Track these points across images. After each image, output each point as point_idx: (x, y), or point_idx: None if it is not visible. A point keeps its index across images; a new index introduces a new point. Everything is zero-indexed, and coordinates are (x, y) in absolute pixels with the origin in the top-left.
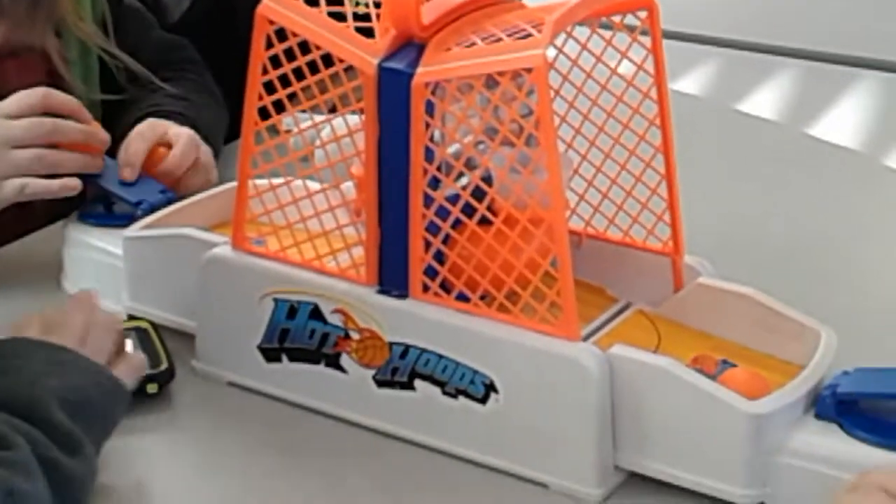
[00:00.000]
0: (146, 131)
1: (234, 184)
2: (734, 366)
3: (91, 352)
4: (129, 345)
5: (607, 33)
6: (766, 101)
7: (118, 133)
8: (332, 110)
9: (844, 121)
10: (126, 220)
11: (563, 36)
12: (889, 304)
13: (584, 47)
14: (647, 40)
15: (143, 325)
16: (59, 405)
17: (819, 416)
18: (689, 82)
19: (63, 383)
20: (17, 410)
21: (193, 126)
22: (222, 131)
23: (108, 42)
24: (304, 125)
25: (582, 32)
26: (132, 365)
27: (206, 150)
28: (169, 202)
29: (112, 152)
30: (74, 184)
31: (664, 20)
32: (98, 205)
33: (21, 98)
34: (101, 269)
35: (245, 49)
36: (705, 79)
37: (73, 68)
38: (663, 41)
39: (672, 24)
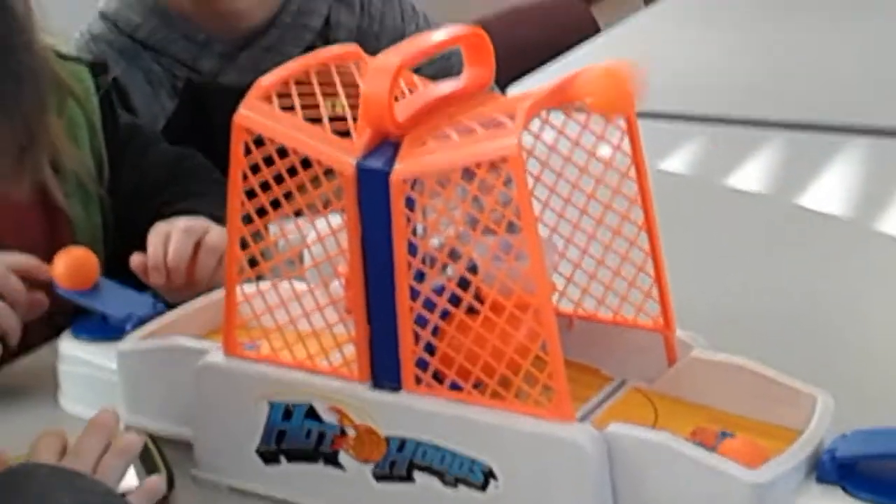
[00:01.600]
0: (193, 226)
1: (220, 291)
2: (733, 436)
3: (103, 476)
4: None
5: (583, 117)
6: (749, 173)
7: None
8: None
9: (831, 188)
10: (119, 333)
11: (538, 122)
12: (883, 367)
13: (560, 132)
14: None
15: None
16: None
17: (820, 479)
18: (669, 160)
19: (74, 501)
20: None
21: None
22: None
23: (101, 186)
24: (287, 228)
25: (558, 117)
26: (145, 491)
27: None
28: (159, 314)
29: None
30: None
31: (659, 102)
32: (90, 320)
33: None
34: (96, 384)
35: (224, 164)
36: (686, 155)
37: (72, 199)
38: (639, 120)
39: (647, 104)
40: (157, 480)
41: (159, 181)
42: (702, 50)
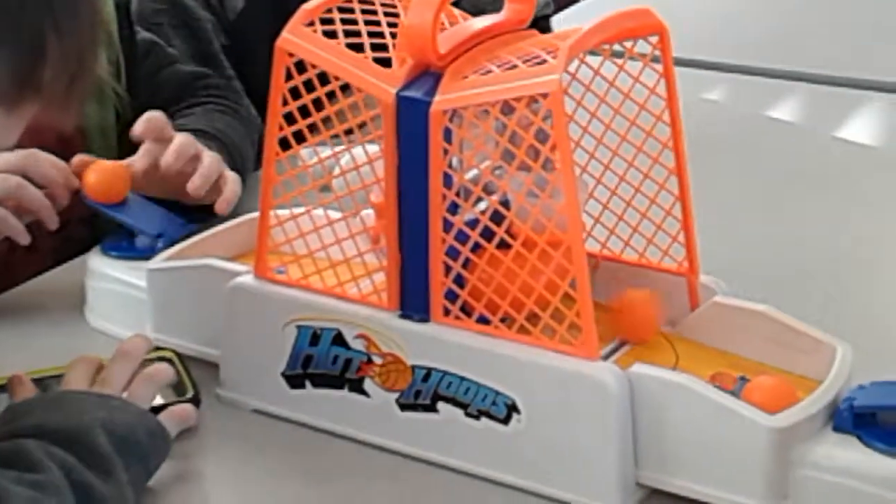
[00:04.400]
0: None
1: (253, 214)
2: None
3: (133, 400)
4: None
5: (619, 61)
6: (776, 123)
7: None
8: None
9: (851, 142)
10: (147, 252)
11: (576, 62)
12: None
13: (596, 73)
14: (659, 66)
15: (168, 354)
16: (104, 433)
17: (837, 429)
18: (702, 106)
19: (111, 417)
20: (64, 435)
21: (222, 144)
22: (250, 149)
23: (119, 85)
24: (323, 155)
25: (595, 60)
26: (176, 414)
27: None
28: (189, 234)
29: None
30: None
31: (676, 48)
32: (120, 237)
33: (2, 155)
34: (124, 301)
35: None
36: (707, 104)
37: (90, 114)
38: (676, 68)
39: (684, 52)
40: (191, 410)
41: (170, 99)
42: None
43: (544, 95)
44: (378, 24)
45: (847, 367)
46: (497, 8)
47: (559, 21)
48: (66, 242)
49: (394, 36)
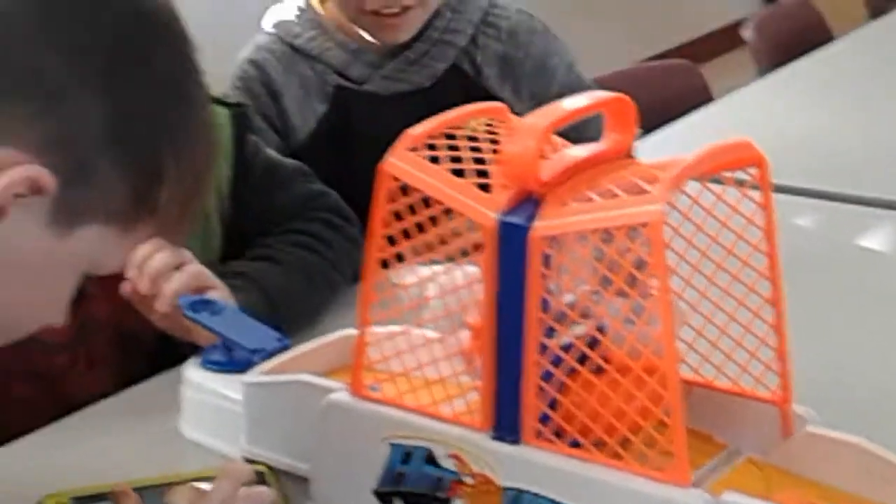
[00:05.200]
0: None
1: (347, 331)
2: None
3: None
4: None
5: (717, 187)
6: (862, 252)
7: None
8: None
9: None
10: (243, 366)
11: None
12: None
13: (695, 202)
14: (756, 194)
15: (261, 468)
16: None
17: None
18: (793, 232)
19: None
20: None
21: (260, 289)
22: (306, 287)
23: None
24: (422, 275)
25: (692, 186)
26: None
27: None
28: (284, 349)
29: None
30: None
31: (774, 174)
32: (217, 351)
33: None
34: (218, 413)
35: (360, 167)
36: (799, 230)
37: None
38: (751, 193)
39: (775, 177)
40: None
41: (279, 220)
42: (815, 124)
43: (644, 225)
44: (480, 150)
45: None
46: (597, 137)
47: (650, 145)
48: (162, 352)
49: (495, 153)
